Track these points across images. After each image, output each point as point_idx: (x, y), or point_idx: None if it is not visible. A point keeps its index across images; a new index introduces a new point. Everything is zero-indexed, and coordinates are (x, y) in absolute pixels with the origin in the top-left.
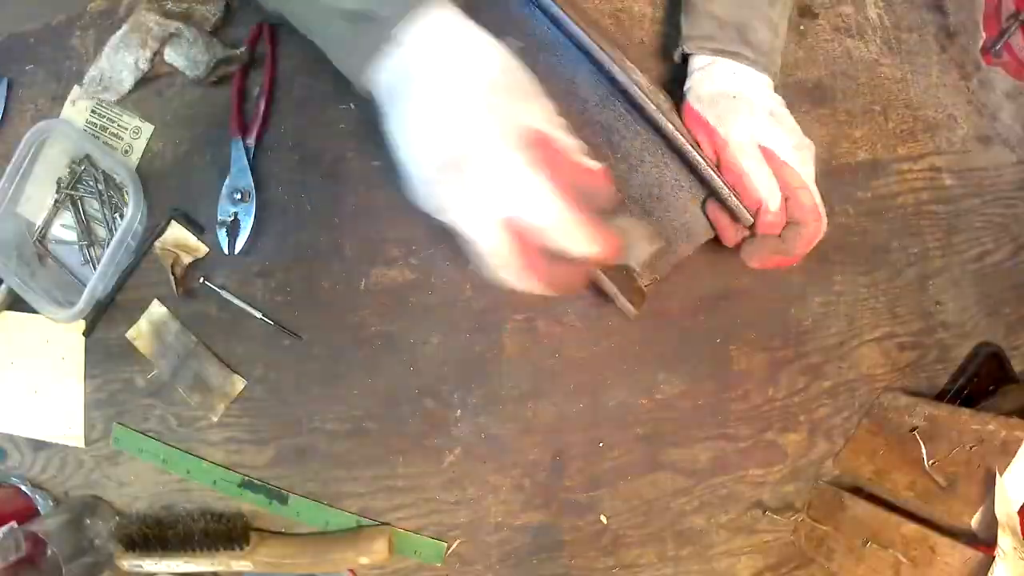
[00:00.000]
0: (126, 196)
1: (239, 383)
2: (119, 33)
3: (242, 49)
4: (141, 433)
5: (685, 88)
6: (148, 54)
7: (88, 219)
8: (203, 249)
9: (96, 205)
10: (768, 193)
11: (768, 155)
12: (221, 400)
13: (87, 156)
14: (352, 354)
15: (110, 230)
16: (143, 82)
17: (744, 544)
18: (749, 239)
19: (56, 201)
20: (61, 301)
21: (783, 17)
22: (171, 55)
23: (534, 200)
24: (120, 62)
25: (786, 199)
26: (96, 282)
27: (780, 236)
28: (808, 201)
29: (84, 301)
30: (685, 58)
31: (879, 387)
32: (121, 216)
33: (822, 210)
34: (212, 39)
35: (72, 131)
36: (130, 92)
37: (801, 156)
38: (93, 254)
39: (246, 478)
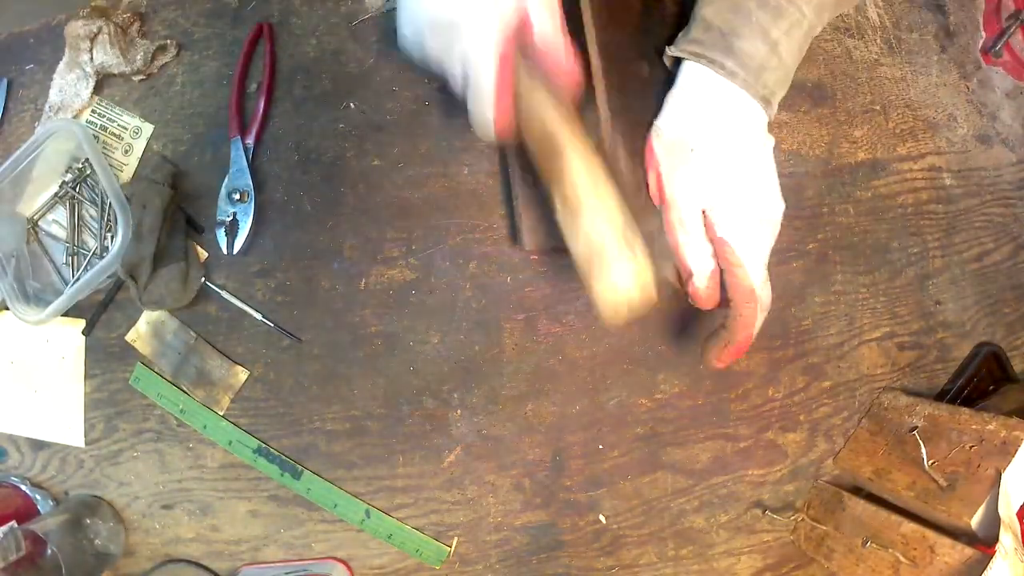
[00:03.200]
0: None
1: (242, 374)
2: (63, 59)
3: (169, 41)
4: (161, 376)
5: (660, 114)
6: (87, 56)
7: (81, 224)
8: (202, 255)
9: (94, 213)
10: (697, 266)
11: (708, 225)
12: (225, 392)
13: (88, 161)
14: (352, 354)
15: (100, 247)
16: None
17: (744, 544)
18: (709, 339)
19: (56, 195)
20: (31, 296)
21: (789, 35)
22: (99, 56)
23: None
24: (71, 81)
25: (722, 273)
26: (66, 301)
27: (724, 325)
28: (743, 282)
29: (49, 314)
30: (678, 64)
31: (879, 387)
32: (113, 236)
33: (761, 292)
34: (134, 36)
35: (81, 134)
36: (96, 97)
37: (753, 230)
38: (76, 263)
39: (262, 445)
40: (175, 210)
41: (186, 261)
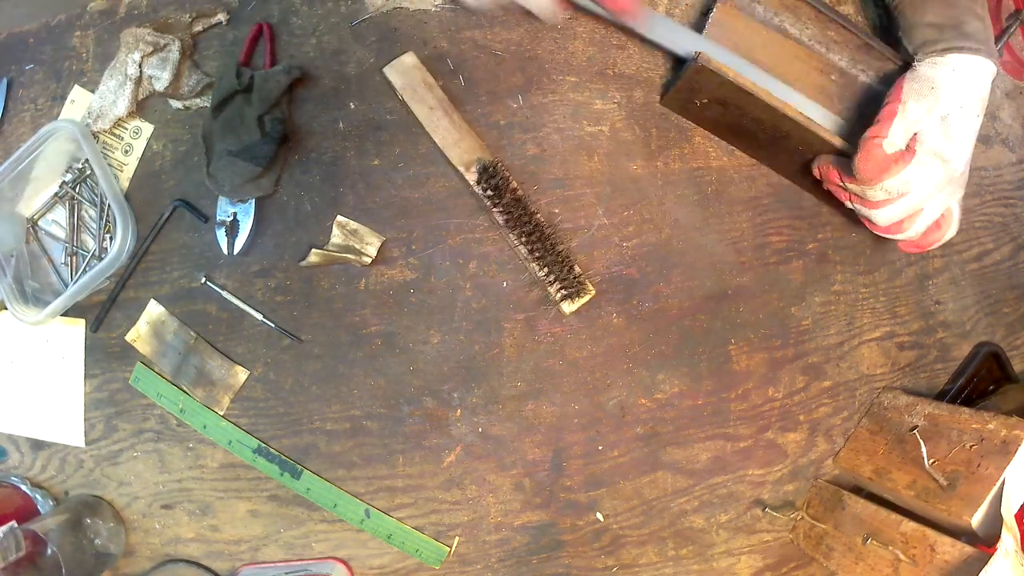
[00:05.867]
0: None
1: (242, 374)
2: (111, 64)
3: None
4: (161, 376)
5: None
6: (137, 57)
7: (80, 225)
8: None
9: (93, 214)
10: (892, 139)
11: (913, 142)
12: (225, 392)
13: (87, 161)
14: (352, 354)
15: (99, 248)
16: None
17: (744, 544)
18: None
19: (55, 195)
20: (29, 296)
21: (984, 8)
22: (154, 71)
23: None
24: (111, 88)
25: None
26: (65, 302)
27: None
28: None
29: (47, 314)
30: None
31: (879, 387)
32: (111, 238)
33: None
34: (194, 64)
35: (81, 134)
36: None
37: (936, 167)
38: (75, 263)
39: (262, 445)
40: (275, 121)
41: (264, 175)
